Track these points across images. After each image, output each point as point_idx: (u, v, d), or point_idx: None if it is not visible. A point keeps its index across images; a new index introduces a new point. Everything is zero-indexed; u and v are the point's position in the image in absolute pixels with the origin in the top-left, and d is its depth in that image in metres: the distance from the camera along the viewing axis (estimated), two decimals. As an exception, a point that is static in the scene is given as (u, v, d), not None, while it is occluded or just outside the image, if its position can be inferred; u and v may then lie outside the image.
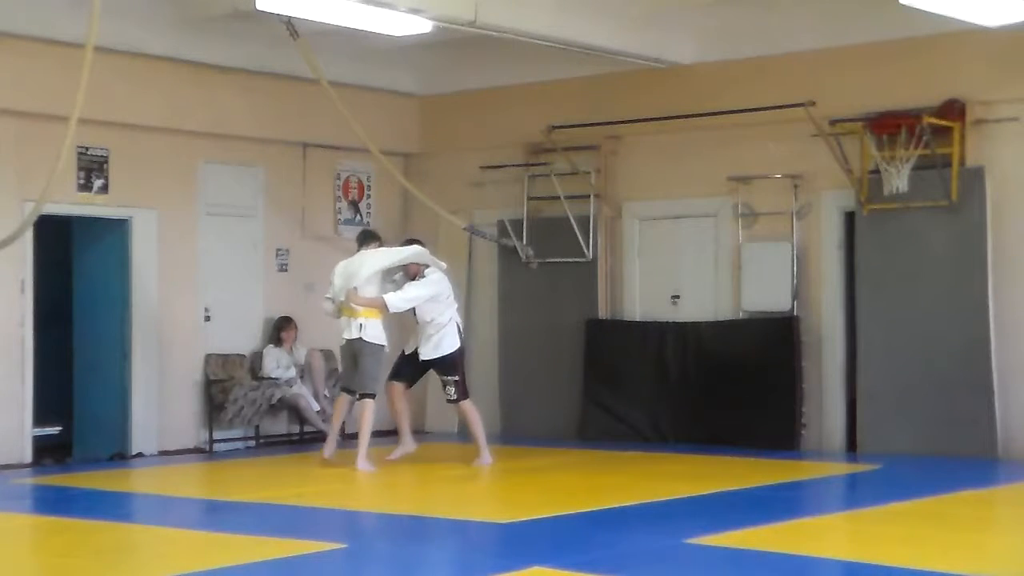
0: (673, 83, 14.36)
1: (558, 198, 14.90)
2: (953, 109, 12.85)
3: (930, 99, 12.91)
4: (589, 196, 14.85)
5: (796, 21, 13.42)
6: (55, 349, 13.89)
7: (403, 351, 12.76)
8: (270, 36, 13.08)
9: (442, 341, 12.41)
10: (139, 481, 12.80)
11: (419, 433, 15.51)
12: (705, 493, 10.91)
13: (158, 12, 13.20)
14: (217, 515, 10.49)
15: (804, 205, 13.85)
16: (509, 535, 9.21)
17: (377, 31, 12.58)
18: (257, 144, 14.79)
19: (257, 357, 14.65)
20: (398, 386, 12.66)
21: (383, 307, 12.20)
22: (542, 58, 14.06)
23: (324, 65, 13.17)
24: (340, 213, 15.68)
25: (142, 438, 13.78)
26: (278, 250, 15.01)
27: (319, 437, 14.14)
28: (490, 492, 11.75)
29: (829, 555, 8.58)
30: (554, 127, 14.79)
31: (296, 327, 14.59)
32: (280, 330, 14.61)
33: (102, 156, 13.60)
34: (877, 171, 13.12)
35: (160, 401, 13.93)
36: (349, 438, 14.30)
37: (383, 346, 12.37)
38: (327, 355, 14.59)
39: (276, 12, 11.98)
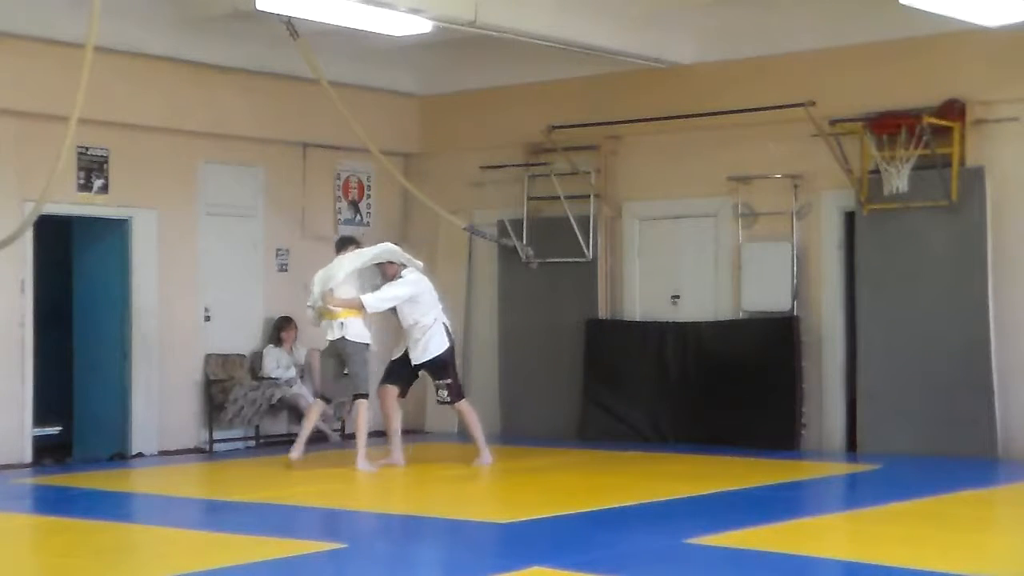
0: (673, 83, 14.36)
1: (558, 198, 14.90)
2: (953, 109, 12.85)
3: (930, 99, 12.91)
4: (589, 196, 14.85)
5: (796, 21, 13.42)
6: (55, 349, 13.89)
7: (394, 359, 12.66)
8: (270, 36, 13.08)
9: (429, 343, 12.31)
10: (139, 481, 12.80)
11: (419, 433, 15.54)
12: (705, 493, 10.90)
13: (158, 12, 13.20)
14: (217, 515, 10.48)
15: (804, 205, 13.85)
16: (509, 535, 9.21)
17: (377, 31, 12.57)
18: (257, 144, 14.79)
19: (257, 357, 14.66)
20: (391, 389, 12.48)
21: (360, 307, 12.15)
22: (542, 58, 14.06)
23: (324, 65, 13.16)
24: (340, 213, 15.68)
25: (142, 438, 13.79)
26: (278, 250, 15.01)
27: (319, 437, 14.14)
28: (490, 492, 11.75)
29: (829, 555, 8.58)
30: (554, 127, 14.79)
31: (296, 327, 14.59)
32: (280, 330, 14.62)
33: (102, 156, 13.60)
34: (877, 171, 13.12)
35: (160, 401, 13.93)
36: (348, 439, 14.32)
37: (368, 344, 12.34)
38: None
39: (276, 12, 11.97)
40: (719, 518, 9.63)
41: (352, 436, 14.31)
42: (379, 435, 13.12)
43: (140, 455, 13.70)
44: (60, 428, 13.92)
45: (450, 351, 12.49)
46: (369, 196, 15.97)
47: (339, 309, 12.15)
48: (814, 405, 13.68)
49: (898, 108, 13.01)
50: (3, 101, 12.73)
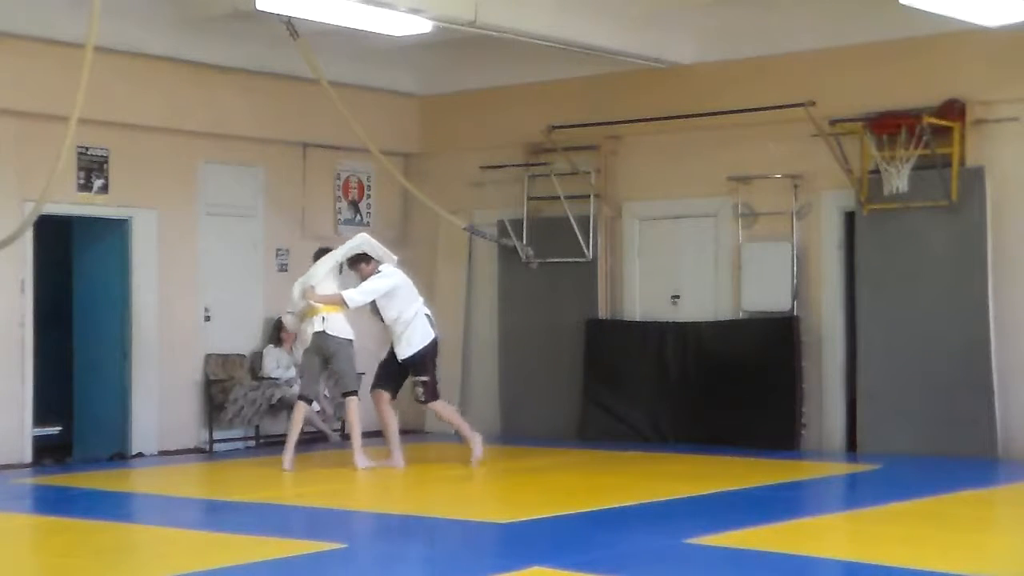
0: (673, 83, 14.36)
1: (558, 198, 14.90)
2: (953, 109, 12.85)
3: (930, 99, 12.91)
4: (589, 196, 14.85)
5: (796, 21, 13.42)
6: (55, 349, 13.89)
7: (381, 360, 12.64)
8: (270, 36, 13.08)
9: (413, 336, 12.25)
10: (139, 481, 12.80)
11: (419, 433, 15.54)
12: (705, 493, 10.90)
13: (158, 12, 13.20)
14: (217, 515, 10.48)
15: (804, 205, 13.85)
16: (509, 535, 9.21)
17: (377, 31, 12.58)
18: (257, 144, 14.79)
19: (257, 357, 14.65)
20: (383, 394, 12.43)
21: (341, 303, 12.14)
22: (542, 58, 14.06)
23: (324, 65, 13.16)
24: (340, 213, 15.68)
25: (142, 438, 13.78)
26: (278, 250, 15.01)
27: (319, 437, 14.16)
28: (490, 492, 11.75)
29: (829, 555, 8.58)
30: (554, 127, 14.79)
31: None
32: (280, 330, 14.61)
33: (102, 156, 13.60)
34: (877, 171, 13.12)
35: (160, 401, 13.93)
36: (348, 438, 14.31)
37: (350, 340, 12.34)
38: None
39: (276, 12, 11.97)
40: (719, 518, 9.63)
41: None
42: (375, 435, 13.12)
43: (140, 455, 13.70)
44: (60, 428, 13.92)
45: (434, 343, 12.40)
46: (369, 196, 15.97)
47: (320, 306, 12.15)
48: (814, 405, 13.68)
49: (898, 108, 13.01)
50: (3, 101, 12.73)
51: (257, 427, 14.60)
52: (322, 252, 12.84)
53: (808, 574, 8.07)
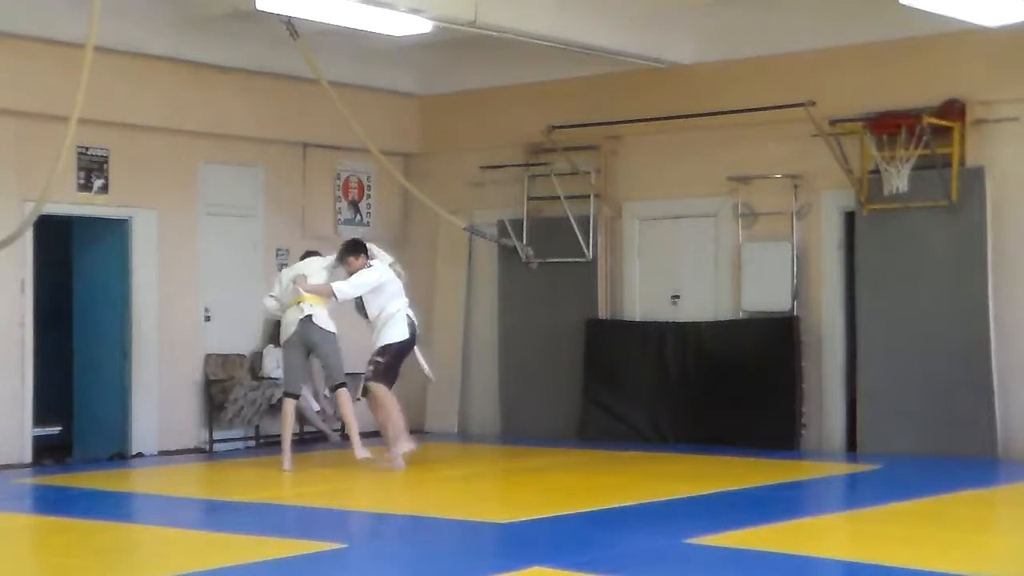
0: (673, 83, 14.36)
1: (558, 198, 14.90)
2: (953, 109, 12.85)
3: (930, 99, 12.91)
4: (589, 196, 14.85)
5: (796, 21, 13.42)
6: (55, 349, 13.89)
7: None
8: (270, 36, 13.08)
9: (389, 330, 12.17)
10: (139, 481, 12.80)
11: (419, 433, 15.53)
12: (705, 493, 10.91)
13: (158, 12, 13.20)
14: (217, 515, 10.48)
15: (804, 205, 13.85)
16: (509, 535, 9.21)
17: (377, 31, 12.58)
18: (257, 144, 14.79)
19: (257, 357, 14.65)
20: (382, 387, 12.40)
21: (330, 294, 12.10)
22: (542, 58, 14.06)
23: (324, 65, 13.16)
24: (340, 213, 15.68)
25: (142, 438, 13.79)
26: (278, 250, 15.01)
27: (319, 437, 14.16)
28: (490, 492, 11.76)
29: (829, 555, 8.58)
30: (554, 127, 14.79)
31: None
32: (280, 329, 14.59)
33: (102, 156, 13.60)
34: (877, 171, 13.13)
35: (160, 401, 13.93)
36: (348, 438, 14.31)
37: (334, 333, 12.32)
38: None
39: (276, 12, 11.97)
40: (719, 518, 9.63)
41: (371, 433, 14.28)
42: (374, 435, 13.11)
43: (140, 455, 13.70)
44: (60, 428, 13.91)
45: (406, 344, 12.28)
46: (369, 196, 15.97)
47: (307, 294, 12.15)
48: (814, 405, 13.68)
49: (898, 108, 13.01)
50: (3, 101, 12.73)
51: (257, 427, 14.60)
52: (309, 254, 12.86)
53: (808, 574, 8.07)
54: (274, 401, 14.27)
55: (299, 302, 12.21)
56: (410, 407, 15.88)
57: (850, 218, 13.61)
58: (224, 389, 14.17)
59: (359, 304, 12.34)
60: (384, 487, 11.70)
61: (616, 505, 10.31)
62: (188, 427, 14.19)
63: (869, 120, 13.10)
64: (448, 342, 15.82)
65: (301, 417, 14.56)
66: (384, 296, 12.22)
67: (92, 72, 10.51)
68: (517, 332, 15.34)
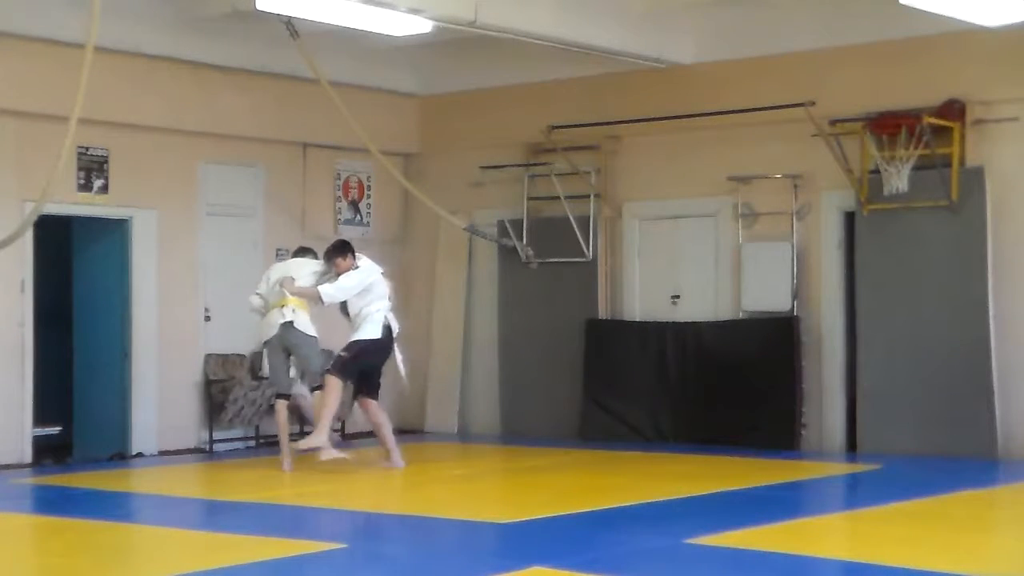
0: (673, 83, 14.36)
1: (558, 198, 14.90)
2: (953, 109, 12.86)
3: (930, 99, 12.91)
4: (589, 196, 14.85)
5: (796, 21, 13.43)
6: (55, 349, 13.88)
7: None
8: (270, 36, 13.09)
9: (364, 329, 12.01)
10: (139, 481, 12.80)
11: (418, 433, 15.54)
12: (705, 493, 10.90)
13: (158, 12, 13.21)
14: (217, 515, 10.48)
15: (804, 205, 13.85)
16: (509, 535, 9.21)
17: (377, 31, 12.58)
18: (257, 144, 14.79)
19: (257, 357, 14.62)
20: (368, 401, 12.35)
21: (317, 297, 12.03)
22: (542, 58, 14.06)
23: (324, 65, 13.17)
24: (340, 213, 15.68)
25: (142, 438, 13.78)
26: (278, 250, 15.00)
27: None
28: (490, 492, 11.75)
29: (829, 555, 8.59)
30: (554, 127, 14.79)
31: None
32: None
33: (102, 156, 13.60)
34: (877, 171, 13.13)
35: (160, 401, 13.92)
36: (348, 438, 14.30)
37: (315, 337, 12.26)
38: (327, 355, 14.56)
39: (276, 12, 11.98)
40: (719, 518, 9.63)
41: (353, 436, 14.33)
42: (370, 435, 13.10)
43: (140, 455, 13.70)
44: (60, 428, 13.91)
45: (376, 343, 12.03)
46: (369, 196, 15.97)
47: (292, 297, 12.12)
48: (814, 405, 13.68)
49: (898, 108, 13.01)
50: (3, 101, 12.73)
51: (257, 427, 14.60)
52: (302, 250, 12.80)
53: (808, 574, 8.06)
54: (273, 401, 14.25)
55: (283, 305, 12.17)
56: (410, 407, 15.94)
57: (850, 218, 13.61)
58: (224, 389, 14.17)
59: (342, 304, 12.24)
60: (384, 487, 11.70)
61: (616, 505, 10.31)
62: (188, 427, 14.19)
63: (869, 120, 13.10)
64: (448, 342, 15.82)
65: (301, 416, 14.57)
66: (367, 296, 12.08)
67: (92, 72, 10.52)
68: (517, 332, 15.34)
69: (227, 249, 14.51)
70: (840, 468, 12.60)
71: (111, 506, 10.81)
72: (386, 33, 12.68)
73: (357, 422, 15.16)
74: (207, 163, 14.45)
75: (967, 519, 9.89)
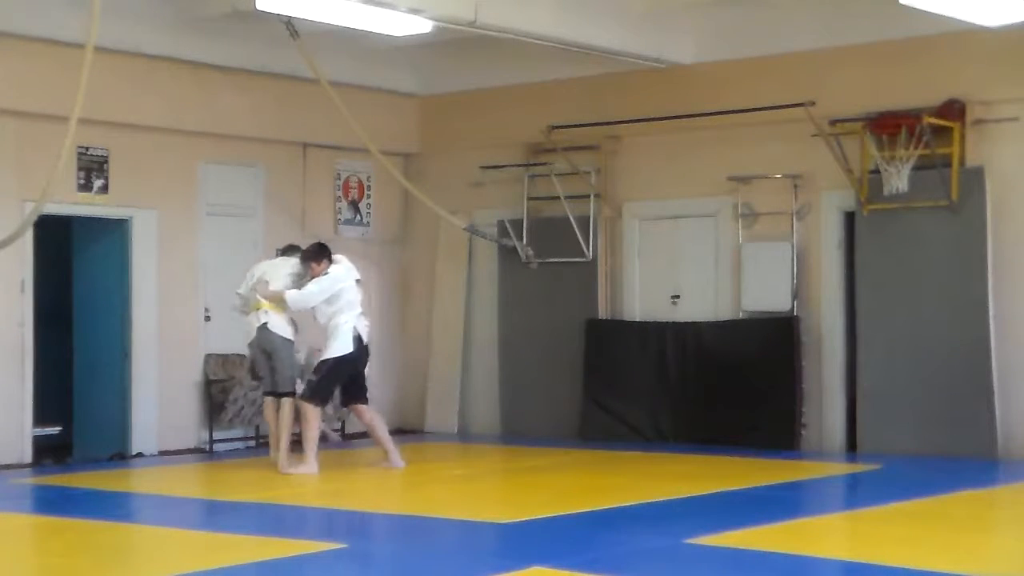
0: (673, 83, 14.36)
1: (558, 198, 14.90)
2: (953, 109, 12.85)
3: (930, 99, 12.91)
4: (589, 196, 14.85)
5: (796, 21, 13.43)
6: (55, 349, 13.88)
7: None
8: (270, 36, 13.09)
9: (334, 342, 11.99)
10: (139, 481, 12.80)
11: (418, 433, 15.54)
12: (705, 493, 10.91)
13: (158, 12, 13.21)
14: (217, 515, 10.48)
15: (804, 205, 13.85)
16: (509, 535, 9.21)
17: (377, 31, 12.58)
18: (257, 144, 14.79)
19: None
20: (359, 407, 12.38)
21: (284, 302, 12.07)
22: (542, 58, 14.06)
23: (324, 65, 13.17)
24: (340, 213, 15.68)
25: (142, 438, 13.78)
26: (278, 250, 14.87)
27: (319, 436, 14.12)
28: (490, 492, 11.75)
29: (829, 555, 8.59)
30: (554, 127, 14.79)
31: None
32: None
33: (102, 156, 13.60)
34: (877, 171, 13.13)
35: (160, 401, 13.92)
36: (348, 438, 14.32)
37: (291, 340, 12.26)
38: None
39: (276, 12, 11.98)
40: (719, 518, 9.63)
41: (353, 436, 14.33)
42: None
43: (140, 455, 13.70)
44: (60, 428, 13.91)
45: (347, 358, 12.00)
46: (369, 196, 15.97)
47: (265, 301, 12.15)
48: (814, 405, 13.68)
49: (898, 108, 13.01)
50: (3, 101, 12.73)
51: (257, 427, 14.59)
52: (290, 249, 12.77)
53: (808, 574, 8.07)
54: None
55: (258, 307, 12.22)
56: (410, 407, 15.94)
57: (850, 218, 13.61)
58: (224, 389, 14.17)
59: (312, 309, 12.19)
60: (384, 487, 11.71)
61: (616, 505, 10.31)
62: (188, 427, 14.18)
63: (869, 120, 13.10)
64: (448, 342, 15.82)
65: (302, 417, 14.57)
66: (336, 305, 12.02)
67: (92, 72, 10.52)
68: (517, 332, 15.34)
69: (227, 249, 14.50)
70: (840, 468, 12.60)
71: (111, 506, 10.80)
72: (386, 33, 12.68)
73: (358, 422, 15.17)
74: (207, 163, 14.44)
75: (967, 519, 9.89)
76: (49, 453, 13.38)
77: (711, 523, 9.35)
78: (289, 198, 15.18)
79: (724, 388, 13.98)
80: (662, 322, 14.50)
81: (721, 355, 14.04)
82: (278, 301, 12.12)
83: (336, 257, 12.23)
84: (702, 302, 14.39)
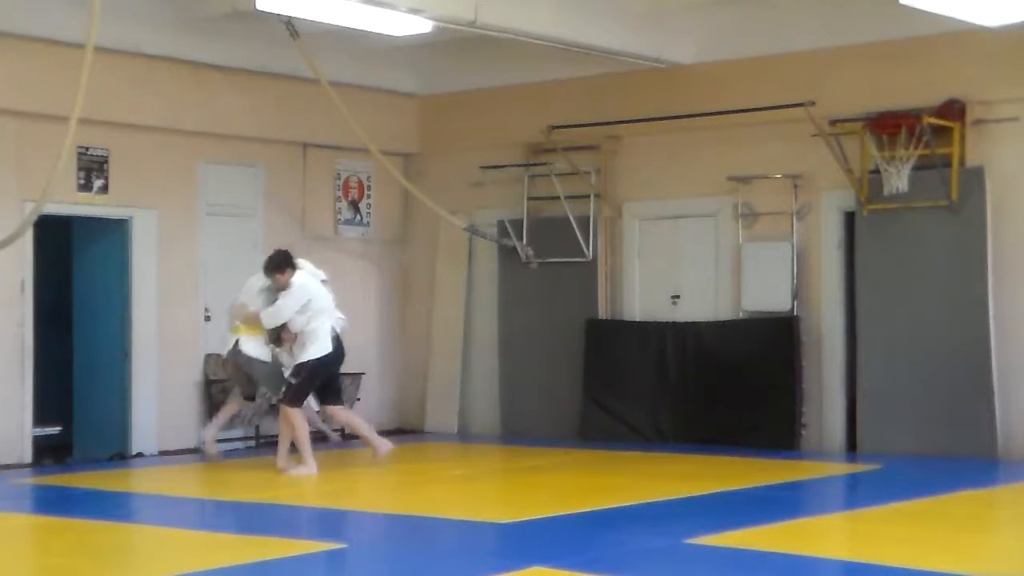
0: (673, 83, 14.36)
1: (558, 198, 14.90)
2: (953, 109, 12.85)
3: (930, 99, 12.91)
4: (589, 196, 14.85)
5: (796, 21, 13.43)
6: (55, 349, 13.88)
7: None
8: (270, 36, 13.09)
9: (312, 346, 12.02)
10: (139, 481, 12.80)
11: (418, 433, 15.54)
12: (705, 493, 10.91)
13: (158, 12, 13.21)
14: (217, 515, 10.48)
15: (804, 205, 13.86)
16: (509, 535, 9.21)
17: (377, 31, 12.58)
18: (257, 144, 14.79)
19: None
20: (333, 409, 12.46)
21: (259, 322, 12.17)
22: (542, 58, 14.06)
23: (324, 65, 13.17)
24: (340, 213, 15.68)
25: (142, 438, 13.78)
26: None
27: (319, 437, 14.14)
28: (490, 492, 11.75)
29: (829, 555, 8.59)
30: (554, 127, 14.79)
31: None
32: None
33: (102, 156, 13.60)
34: (877, 171, 13.13)
35: (160, 401, 13.92)
36: (348, 438, 14.32)
37: (266, 362, 12.36)
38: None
39: (276, 12, 11.98)
40: (719, 518, 9.63)
41: (353, 436, 14.29)
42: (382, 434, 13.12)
43: (140, 455, 13.70)
44: (60, 428, 13.91)
45: (326, 359, 12.06)
46: (369, 196, 15.97)
47: (242, 324, 12.29)
48: (814, 405, 13.68)
49: (898, 108, 13.01)
50: (3, 101, 12.73)
51: (257, 427, 14.59)
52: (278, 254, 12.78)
53: (808, 574, 8.07)
54: (274, 401, 14.25)
55: (236, 332, 12.40)
56: (410, 407, 15.94)
57: (850, 218, 13.61)
58: (224, 389, 14.14)
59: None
60: (384, 487, 11.71)
61: (616, 505, 10.31)
62: (188, 427, 14.18)
63: (869, 120, 13.10)
64: (448, 342, 15.82)
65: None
66: (307, 313, 12.06)
67: (92, 72, 10.52)
68: (517, 332, 15.34)
69: (227, 249, 14.51)
70: (840, 468, 12.60)
71: (111, 506, 10.81)
72: (386, 33, 12.68)
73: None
74: (207, 163, 14.44)
75: (967, 519, 9.90)
76: (49, 453, 13.38)
77: (711, 523, 9.35)
78: (289, 198, 15.18)
79: (724, 388, 13.98)
80: (662, 322, 14.50)
81: (721, 355, 14.04)
82: (255, 323, 12.17)
83: (299, 263, 12.27)
84: (702, 302, 14.39)
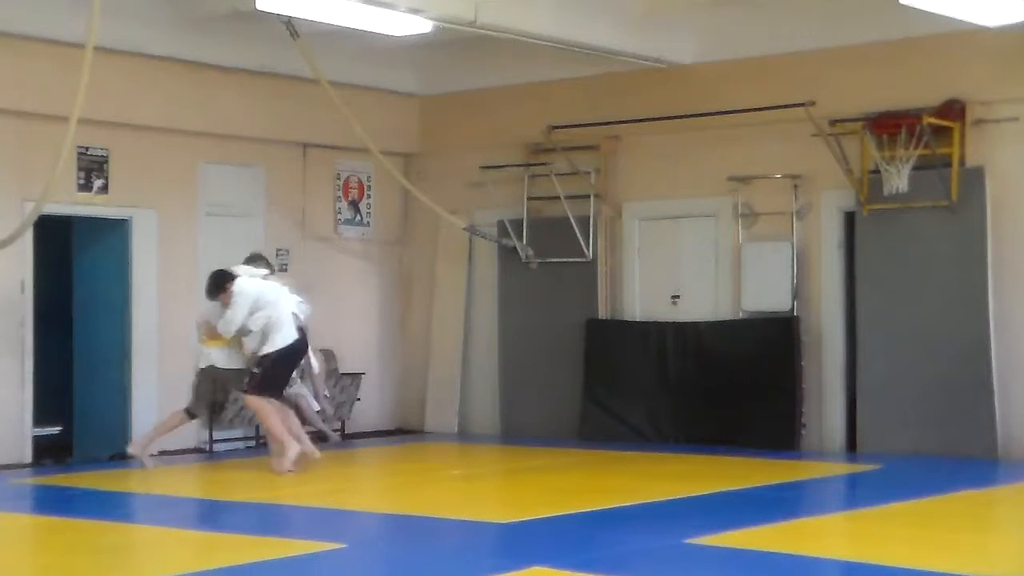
0: (673, 83, 14.36)
1: (558, 198, 14.90)
2: (953, 109, 12.86)
3: (930, 99, 12.91)
4: (589, 196, 14.85)
5: (796, 21, 13.43)
6: (55, 349, 13.88)
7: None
8: (270, 36, 13.08)
9: (275, 336, 12.06)
10: (139, 481, 12.77)
11: (418, 433, 15.53)
12: (705, 493, 10.90)
13: (158, 12, 13.21)
14: (217, 515, 10.48)
15: (804, 205, 13.86)
16: (509, 535, 9.21)
17: (377, 31, 12.58)
18: (257, 144, 14.79)
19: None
20: (272, 402, 12.42)
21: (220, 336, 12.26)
22: (542, 58, 14.06)
23: (324, 65, 13.16)
24: (340, 213, 15.68)
25: (142, 438, 13.77)
26: (278, 250, 15.00)
27: (319, 437, 14.13)
28: (490, 492, 11.75)
29: (829, 555, 8.58)
30: (554, 127, 14.79)
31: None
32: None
33: (102, 156, 13.60)
34: (877, 171, 13.13)
35: (160, 401, 13.91)
36: (348, 439, 14.33)
37: (237, 369, 12.37)
38: (327, 355, 14.58)
39: (276, 12, 11.98)
40: (719, 518, 9.62)
41: (353, 436, 14.34)
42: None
43: (140, 455, 13.69)
44: (60, 428, 13.91)
45: (289, 348, 12.13)
46: (369, 196, 15.97)
47: (207, 338, 12.37)
48: (814, 405, 13.68)
49: (898, 108, 13.01)
50: (3, 101, 12.73)
51: (257, 427, 14.57)
52: (253, 259, 12.77)
53: (808, 574, 8.06)
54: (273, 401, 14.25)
55: (203, 343, 12.47)
56: (410, 407, 15.93)
57: (850, 218, 13.61)
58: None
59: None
60: (384, 487, 11.71)
61: (616, 505, 10.31)
62: (188, 427, 14.14)
63: (869, 120, 13.10)
64: (448, 342, 15.82)
65: (302, 417, 14.55)
66: (259, 312, 12.11)
67: (92, 72, 10.51)
68: (517, 332, 15.34)
69: (227, 249, 14.47)
70: (840, 468, 12.60)
71: (111, 506, 10.81)
72: (386, 33, 12.68)
73: (357, 422, 15.18)
74: (207, 163, 14.44)
75: (967, 519, 9.90)
76: (49, 453, 13.38)
77: (711, 523, 9.35)
78: (289, 198, 15.18)
79: (724, 388, 13.98)
80: (662, 322, 14.50)
81: (721, 355, 14.04)
82: (218, 335, 12.27)
83: (235, 270, 12.34)
84: (702, 302, 14.39)
